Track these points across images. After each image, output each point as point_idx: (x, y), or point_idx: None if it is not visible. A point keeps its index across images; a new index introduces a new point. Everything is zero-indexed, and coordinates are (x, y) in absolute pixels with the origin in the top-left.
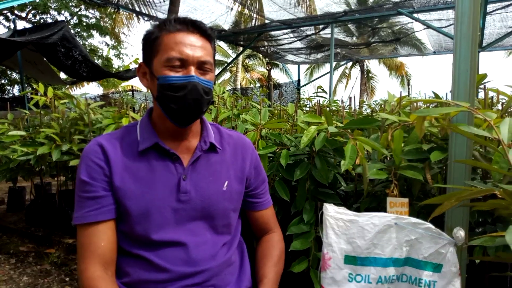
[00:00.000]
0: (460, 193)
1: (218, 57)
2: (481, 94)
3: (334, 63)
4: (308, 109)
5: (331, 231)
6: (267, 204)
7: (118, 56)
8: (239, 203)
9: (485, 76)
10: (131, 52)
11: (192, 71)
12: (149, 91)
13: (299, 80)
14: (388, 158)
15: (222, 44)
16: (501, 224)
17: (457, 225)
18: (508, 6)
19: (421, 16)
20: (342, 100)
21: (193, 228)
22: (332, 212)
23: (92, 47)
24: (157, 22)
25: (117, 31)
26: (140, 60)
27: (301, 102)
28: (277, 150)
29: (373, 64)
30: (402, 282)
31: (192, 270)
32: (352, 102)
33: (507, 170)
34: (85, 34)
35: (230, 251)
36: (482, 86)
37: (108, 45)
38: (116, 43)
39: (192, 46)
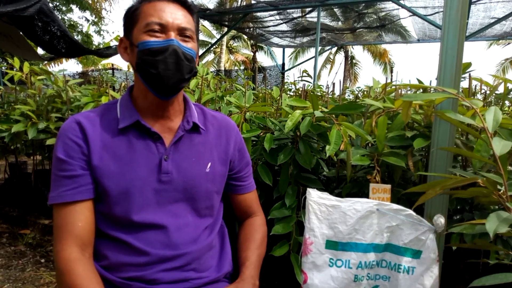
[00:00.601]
0: (445, 181)
1: (202, 37)
2: (464, 83)
3: (319, 48)
4: (292, 93)
5: (314, 216)
6: (250, 188)
7: (98, 32)
8: (222, 186)
9: (469, 64)
10: (112, 29)
11: (172, 35)
12: (130, 69)
13: (283, 64)
14: (371, 145)
15: (206, 24)
16: (478, 212)
17: (437, 212)
18: None
19: (407, 3)
20: (327, 85)
21: (174, 210)
22: (315, 197)
23: (72, 22)
24: None
25: (98, 7)
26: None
27: (286, 86)
28: (261, 134)
29: (357, 51)
30: (382, 268)
31: (172, 254)
32: (335, 87)
33: (488, 159)
34: (64, 8)
35: (212, 235)
36: (466, 75)
37: (88, 20)
38: (97, 19)
39: (172, 13)
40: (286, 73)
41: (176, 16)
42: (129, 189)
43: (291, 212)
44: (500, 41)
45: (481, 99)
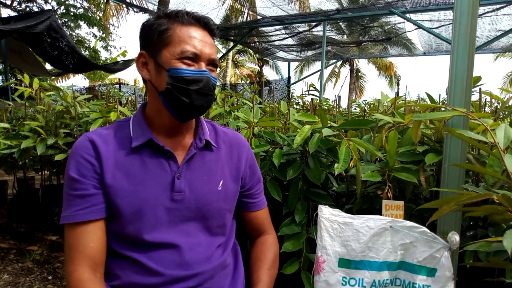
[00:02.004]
0: (459, 198)
1: None
2: (475, 97)
3: (324, 61)
4: (298, 107)
5: (326, 233)
6: (262, 205)
7: (106, 48)
8: (234, 203)
9: (479, 78)
10: (119, 44)
11: (203, 66)
12: (137, 84)
13: (289, 77)
14: (380, 160)
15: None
16: (492, 228)
17: (450, 228)
18: (498, 9)
19: (412, 16)
20: (335, 99)
21: (187, 229)
22: (327, 214)
23: (80, 38)
24: (165, 13)
25: (105, 22)
26: (132, 51)
27: (292, 100)
28: (270, 149)
29: (362, 64)
30: (396, 286)
31: (185, 274)
32: (342, 100)
33: (501, 174)
34: (72, 24)
35: (225, 254)
36: (476, 89)
37: (96, 36)
38: (104, 35)
39: (204, 42)
40: (291, 87)
41: (207, 46)
42: (142, 208)
43: (301, 228)
44: (507, 53)
45: (491, 113)
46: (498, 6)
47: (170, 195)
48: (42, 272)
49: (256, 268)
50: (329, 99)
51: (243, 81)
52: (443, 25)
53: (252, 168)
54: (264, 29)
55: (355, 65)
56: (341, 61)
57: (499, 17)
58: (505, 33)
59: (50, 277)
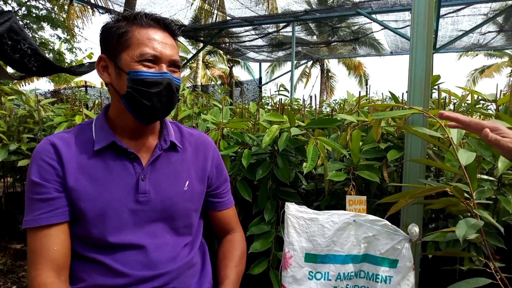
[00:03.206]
0: (414, 191)
1: None
2: (435, 95)
3: (295, 62)
4: (269, 107)
5: (293, 229)
6: (229, 204)
7: (70, 50)
8: (201, 203)
9: (438, 77)
10: (85, 46)
11: (164, 68)
12: (104, 86)
13: (260, 78)
14: (347, 157)
15: (181, 39)
16: (452, 220)
17: (412, 221)
18: (459, 10)
19: (378, 17)
20: (303, 99)
21: (152, 229)
22: (294, 211)
23: (43, 40)
24: (123, 15)
25: (70, 24)
26: (98, 53)
27: (263, 101)
28: (239, 149)
29: (332, 64)
30: (360, 278)
31: (151, 274)
32: (312, 100)
33: (457, 169)
34: (35, 26)
35: (192, 253)
36: (436, 87)
37: (60, 38)
38: (69, 37)
39: (165, 44)
40: (263, 87)
41: (167, 47)
42: (106, 210)
43: (270, 227)
44: (469, 52)
45: (451, 110)
46: (458, 7)
47: (134, 197)
48: (6, 282)
49: (223, 266)
50: (299, 99)
51: (214, 83)
52: (408, 25)
53: (219, 168)
54: (234, 30)
55: (325, 65)
56: (312, 61)
57: (460, 18)
58: (466, 33)
59: (14, 287)
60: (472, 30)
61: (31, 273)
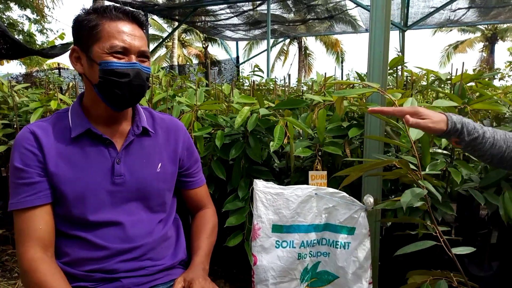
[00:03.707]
0: (363, 165)
1: (152, 31)
2: (403, 75)
3: (271, 40)
4: (246, 87)
5: (261, 204)
6: (200, 182)
7: (41, 31)
8: (173, 183)
9: (402, 58)
10: (57, 27)
11: (133, 59)
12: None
13: (237, 57)
14: (313, 135)
15: (156, 17)
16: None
17: (373, 193)
18: None
19: None
20: (275, 79)
21: (129, 208)
22: (261, 187)
23: (11, 21)
24: (94, 8)
25: (39, 4)
26: (70, 33)
27: (240, 81)
28: (213, 131)
29: (310, 41)
30: (322, 245)
31: (129, 246)
32: (289, 80)
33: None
34: (1, 6)
35: (166, 227)
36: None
37: (29, 19)
38: (39, 17)
39: (133, 36)
40: (241, 66)
41: (136, 39)
42: (85, 193)
43: (244, 203)
44: (443, 28)
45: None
46: None
47: (111, 179)
48: None
49: (196, 238)
50: (276, 79)
51: (189, 63)
52: None
53: (189, 150)
54: (209, 8)
55: (303, 43)
56: (289, 39)
57: None
58: (437, 9)
59: None
60: (442, 7)
61: (20, 250)
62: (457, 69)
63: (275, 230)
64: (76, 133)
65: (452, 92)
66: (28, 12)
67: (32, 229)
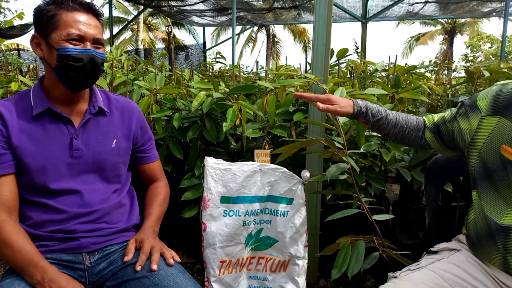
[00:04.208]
0: (294, 144)
1: (117, 13)
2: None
3: (240, 27)
4: (211, 72)
5: (210, 178)
6: (154, 158)
7: None
8: (127, 157)
9: (346, 50)
10: (15, 7)
11: (89, 45)
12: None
13: (204, 43)
14: (264, 119)
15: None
16: None
17: (314, 169)
18: None
19: None
20: (242, 66)
21: (86, 179)
22: (212, 163)
23: None
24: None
25: None
26: (29, 13)
27: (206, 67)
28: (171, 113)
29: (278, 29)
30: (265, 214)
31: (86, 210)
32: (257, 67)
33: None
34: None
35: (120, 196)
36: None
37: None
38: None
39: (88, 25)
40: (208, 52)
41: (91, 27)
42: (45, 164)
43: (200, 180)
44: (406, 20)
45: (354, 78)
46: None
47: (69, 153)
48: None
49: (148, 206)
50: (243, 66)
51: (157, 47)
52: None
53: (143, 128)
54: None
55: (271, 30)
56: (257, 27)
57: None
58: (395, 2)
59: None
60: (400, 0)
61: None
62: (390, 62)
63: (223, 201)
64: (38, 111)
65: (388, 81)
66: None
67: None
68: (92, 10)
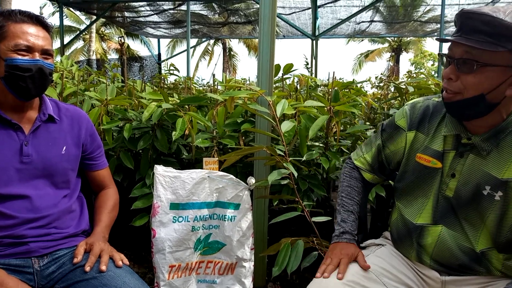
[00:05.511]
0: (238, 151)
1: (68, 22)
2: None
3: (195, 40)
4: (166, 84)
5: (160, 185)
6: (103, 165)
7: None
8: (77, 164)
9: (291, 65)
10: None
11: (37, 56)
12: None
13: (159, 54)
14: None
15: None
16: None
17: (261, 176)
18: (336, 1)
19: None
20: (197, 78)
21: (36, 184)
22: (161, 171)
23: None
24: (0, 12)
25: None
26: None
27: (160, 79)
28: (121, 124)
29: (234, 43)
30: (213, 219)
31: (35, 216)
32: (213, 80)
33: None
34: None
35: (70, 202)
36: (296, 72)
37: None
38: None
39: (37, 36)
40: (163, 64)
41: (40, 39)
42: None
43: (151, 190)
44: (355, 38)
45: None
46: None
47: (19, 158)
48: None
49: (98, 212)
50: (198, 78)
51: (111, 57)
52: (294, 12)
53: (92, 136)
54: (129, 4)
55: (227, 44)
56: (213, 40)
57: (338, 8)
58: (342, 21)
59: None
60: (347, 19)
61: None
62: (334, 77)
63: (173, 208)
64: None
65: (328, 96)
66: None
67: None
68: (40, 22)
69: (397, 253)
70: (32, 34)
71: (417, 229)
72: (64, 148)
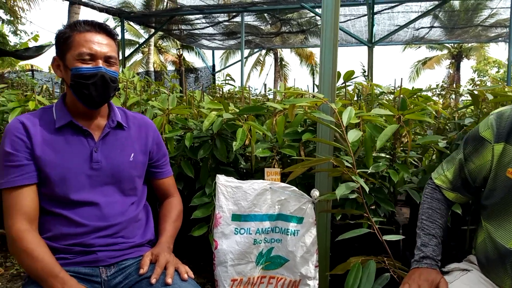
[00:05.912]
0: (304, 163)
1: (128, 36)
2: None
3: (247, 50)
4: (219, 94)
5: (222, 196)
6: (168, 174)
7: (15, 32)
8: (143, 171)
9: (352, 72)
10: (31, 29)
11: (100, 63)
12: (51, 71)
13: (213, 66)
14: (272, 139)
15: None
16: None
17: (323, 188)
18: (393, 7)
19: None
20: (250, 88)
21: (105, 190)
22: (223, 181)
23: None
24: (68, 24)
25: (13, 5)
26: (43, 35)
27: (216, 89)
28: (183, 133)
29: (286, 53)
30: (275, 233)
31: (105, 224)
32: (265, 89)
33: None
34: None
35: (137, 210)
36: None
37: (2, 20)
38: (12, 18)
39: (100, 43)
40: (217, 74)
41: (102, 46)
42: (66, 175)
43: (210, 199)
44: (412, 44)
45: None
46: (392, 4)
47: (89, 165)
48: None
49: (163, 222)
50: (251, 88)
51: (168, 68)
52: (349, 20)
53: (158, 145)
54: (186, 17)
55: (279, 54)
56: (265, 50)
57: (395, 14)
58: (400, 27)
59: None
60: (406, 25)
61: (8, 223)
62: (398, 86)
63: (234, 219)
64: (60, 124)
65: (395, 103)
66: (1, 12)
67: (20, 205)
68: (104, 29)
69: (487, 280)
70: (95, 42)
71: (511, 254)
72: (132, 155)
